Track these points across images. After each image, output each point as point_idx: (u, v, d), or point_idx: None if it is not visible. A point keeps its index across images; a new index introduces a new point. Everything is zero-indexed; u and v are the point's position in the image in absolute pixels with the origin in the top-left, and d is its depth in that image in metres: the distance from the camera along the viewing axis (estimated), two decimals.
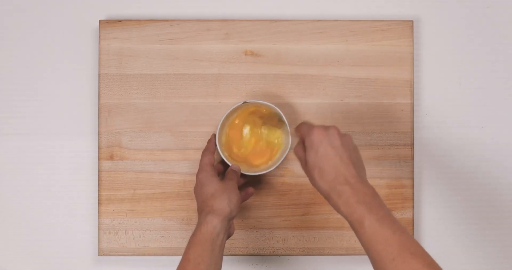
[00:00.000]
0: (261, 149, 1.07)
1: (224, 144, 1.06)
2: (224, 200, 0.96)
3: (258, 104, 1.05)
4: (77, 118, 1.12)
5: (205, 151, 1.04)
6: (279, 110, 1.04)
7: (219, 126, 1.04)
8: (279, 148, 1.06)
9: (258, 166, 1.06)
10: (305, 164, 0.91)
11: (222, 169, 1.07)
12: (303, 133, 0.92)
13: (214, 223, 0.94)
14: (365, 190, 0.86)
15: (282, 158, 1.04)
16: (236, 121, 1.06)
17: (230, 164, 1.04)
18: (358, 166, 0.89)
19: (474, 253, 1.12)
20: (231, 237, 1.08)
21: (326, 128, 0.90)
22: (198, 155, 1.09)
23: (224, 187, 0.98)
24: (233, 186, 0.99)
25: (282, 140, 1.06)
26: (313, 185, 0.90)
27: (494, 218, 1.13)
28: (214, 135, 1.05)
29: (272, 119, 1.06)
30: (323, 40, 1.11)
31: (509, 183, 1.13)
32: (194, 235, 0.94)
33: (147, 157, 1.10)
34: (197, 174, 1.01)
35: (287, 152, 1.04)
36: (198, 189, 0.99)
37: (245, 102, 1.05)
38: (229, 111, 1.04)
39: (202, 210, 0.97)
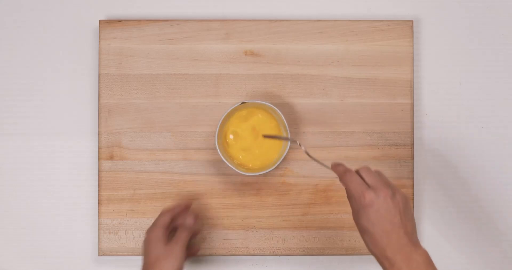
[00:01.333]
0: (261, 151, 1.07)
1: (225, 149, 1.06)
2: (167, 267, 0.96)
3: (256, 104, 1.05)
4: (77, 118, 1.12)
5: (165, 210, 1.03)
6: (277, 109, 1.04)
7: (218, 127, 1.04)
8: (278, 148, 1.06)
9: (257, 167, 1.06)
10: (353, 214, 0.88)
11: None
12: (352, 190, 0.87)
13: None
14: (418, 259, 0.83)
15: (281, 159, 1.04)
16: (232, 128, 1.06)
17: (231, 167, 1.04)
18: (410, 227, 0.86)
19: (474, 253, 1.12)
20: (231, 237, 1.08)
21: (377, 192, 0.86)
22: (198, 155, 1.09)
23: (169, 252, 0.97)
24: (178, 251, 0.98)
25: (281, 141, 1.06)
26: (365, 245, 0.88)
27: (494, 218, 1.13)
28: (180, 205, 1.04)
29: (269, 122, 1.06)
30: (323, 40, 1.11)
31: (509, 183, 1.13)
32: None
33: (147, 157, 1.10)
34: (148, 230, 1.01)
35: (285, 152, 1.04)
36: (145, 248, 0.99)
37: (243, 102, 1.04)
38: (227, 112, 1.04)
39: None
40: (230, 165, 1.04)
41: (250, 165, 1.06)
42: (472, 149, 1.13)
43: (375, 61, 1.11)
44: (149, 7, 1.13)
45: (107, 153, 1.09)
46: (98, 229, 1.09)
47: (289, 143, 1.04)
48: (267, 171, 1.04)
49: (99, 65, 1.10)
